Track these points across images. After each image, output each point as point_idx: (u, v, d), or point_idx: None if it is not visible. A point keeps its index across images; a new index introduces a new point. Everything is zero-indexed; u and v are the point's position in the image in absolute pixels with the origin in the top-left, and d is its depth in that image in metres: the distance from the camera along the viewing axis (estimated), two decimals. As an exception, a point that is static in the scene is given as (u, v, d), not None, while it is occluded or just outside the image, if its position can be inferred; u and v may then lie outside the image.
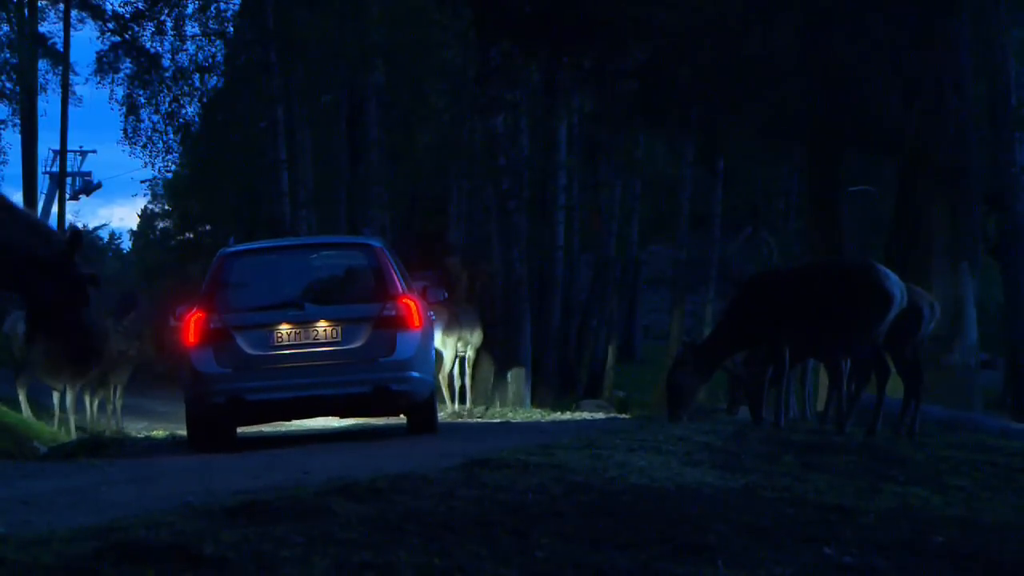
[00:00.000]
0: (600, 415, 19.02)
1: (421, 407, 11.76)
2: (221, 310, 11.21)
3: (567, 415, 18.75)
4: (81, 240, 8.42)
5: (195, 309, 11.23)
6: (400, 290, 11.45)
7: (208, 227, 38.01)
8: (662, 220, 38.02)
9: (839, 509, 5.91)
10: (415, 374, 11.37)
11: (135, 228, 79.17)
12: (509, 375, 22.45)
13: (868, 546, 4.85)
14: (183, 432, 12.69)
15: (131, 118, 33.70)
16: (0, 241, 7.96)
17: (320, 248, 12.60)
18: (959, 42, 16.65)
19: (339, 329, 11.23)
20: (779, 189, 35.77)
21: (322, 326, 11.21)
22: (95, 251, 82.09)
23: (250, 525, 4.42)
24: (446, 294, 14.30)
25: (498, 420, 17.30)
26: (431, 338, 12.45)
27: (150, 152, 34.29)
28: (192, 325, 11.13)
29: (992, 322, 25.09)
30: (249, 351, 11.09)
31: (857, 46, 16.26)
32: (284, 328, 11.14)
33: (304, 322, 11.16)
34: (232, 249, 11.90)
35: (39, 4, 34.46)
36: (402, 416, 12.26)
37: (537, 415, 18.90)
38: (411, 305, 11.38)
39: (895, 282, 10.48)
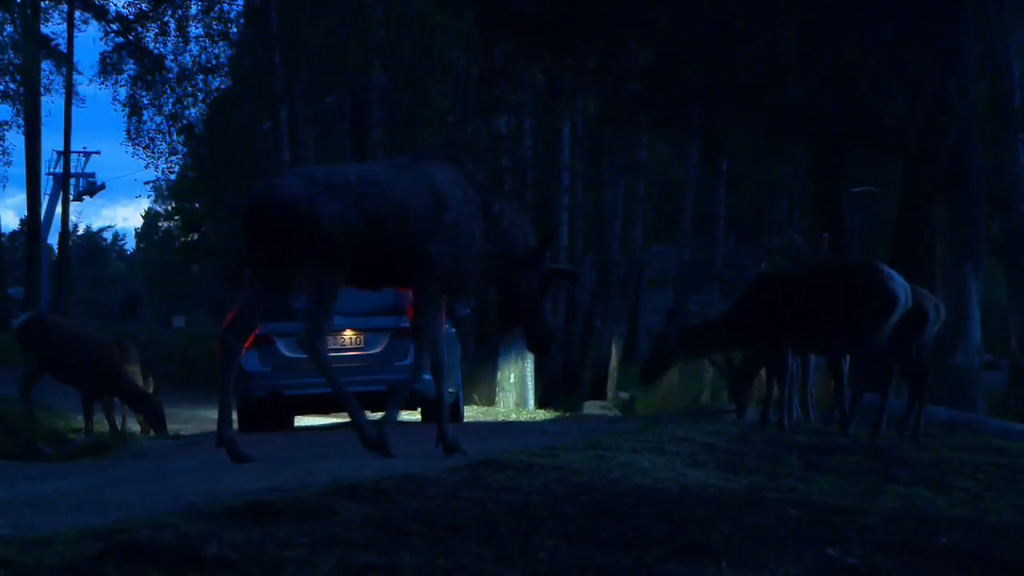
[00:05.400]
0: (605, 414, 19.00)
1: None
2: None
3: (571, 416, 18.73)
4: (552, 239, 9.28)
5: None
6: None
7: (210, 228, 38.02)
8: (665, 221, 38.02)
9: (843, 510, 5.89)
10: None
11: (139, 229, 79.49)
12: (513, 376, 22.46)
13: (872, 547, 4.84)
14: (186, 432, 13.53)
15: (134, 119, 33.75)
16: (508, 241, 8.65)
17: None
18: (962, 43, 16.63)
19: (362, 337, 13.32)
20: (783, 190, 35.77)
21: (348, 335, 13.27)
22: (99, 252, 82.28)
23: (254, 526, 4.42)
24: (467, 310, 15.97)
25: (501, 421, 17.31)
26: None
27: (153, 153, 34.39)
28: None
29: (996, 323, 25.04)
30: (287, 354, 13.13)
31: (860, 47, 16.25)
32: None
33: (333, 331, 12.84)
34: None
35: (42, 5, 34.54)
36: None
37: (541, 416, 18.90)
38: None
39: (900, 283, 10.45)
